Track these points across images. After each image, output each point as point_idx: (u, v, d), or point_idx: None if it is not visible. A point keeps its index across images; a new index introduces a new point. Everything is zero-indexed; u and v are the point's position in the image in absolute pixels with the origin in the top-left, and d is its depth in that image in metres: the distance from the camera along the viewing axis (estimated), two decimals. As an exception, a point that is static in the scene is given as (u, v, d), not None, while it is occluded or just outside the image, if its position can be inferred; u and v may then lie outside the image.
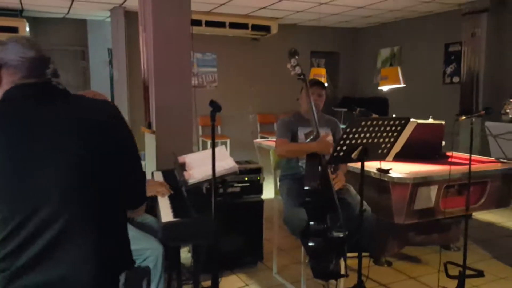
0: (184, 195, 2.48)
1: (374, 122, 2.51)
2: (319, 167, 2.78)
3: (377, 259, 3.73)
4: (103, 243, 1.11)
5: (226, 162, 2.47)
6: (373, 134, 2.57)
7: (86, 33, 7.28)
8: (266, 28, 7.04)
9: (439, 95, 7.02)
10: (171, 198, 2.46)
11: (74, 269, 1.06)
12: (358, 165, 2.78)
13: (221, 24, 6.63)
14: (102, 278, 1.10)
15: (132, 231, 2.47)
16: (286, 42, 7.82)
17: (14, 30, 6.09)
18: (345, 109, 8.09)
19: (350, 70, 8.72)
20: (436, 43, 7.08)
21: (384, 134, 2.62)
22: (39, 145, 1.06)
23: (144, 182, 1.37)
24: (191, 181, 2.35)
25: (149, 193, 2.52)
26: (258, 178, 3.57)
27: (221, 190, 3.15)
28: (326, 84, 5.84)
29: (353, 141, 2.52)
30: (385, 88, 4.62)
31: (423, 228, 3.73)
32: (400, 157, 3.86)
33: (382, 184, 3.29)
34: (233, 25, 6.72)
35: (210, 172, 2.37)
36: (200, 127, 7.31)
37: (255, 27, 6.92)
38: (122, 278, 1.14)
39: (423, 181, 3.22)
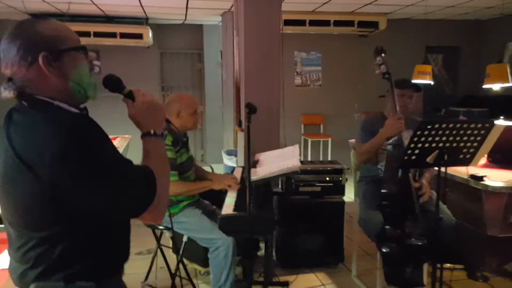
0: (252, 191, 2.59)
1: (451, 125, 2.32)
2: (400, 171, 2.67)
3: (471, 272, 3.42)
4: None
5: (291, 161, 2.53)
6: (451, 138, 2.38)
7: (202, 37, 7.87)
8: (374, 24, 6.79)
9: None
10: (239, 193, 2.59)
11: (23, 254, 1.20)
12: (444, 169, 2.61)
13: (326, 23, 6.58)
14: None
15: (207, 222, 2.70)
16: (397, 37, 7.45)
17: (139, 36, 6.89)
18: (465, 109, 7.39)
19: (472, 66, 7.93)
20: None
21: (465, 138, 2.40)
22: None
23: (126, 198, 1.15)
24: (253, 177, 2.46)
25: (218, 186, 2.72)
26: (340, 178, 3.53)
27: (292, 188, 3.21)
28: (431, 82, 5.46)
29: (426, 145, 2.37)
30: (490, 86, 4.16)
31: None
32: (498, 163, 3.50)
33: (474, 192, 3.02)
34: (337, 23, 6.61)
35: (273, 170, 2.47)
36: (302, 126, 7.39)
37: (362, 24, 6.72)
38: None
39: (523, 191, 2.87)
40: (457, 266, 3.52)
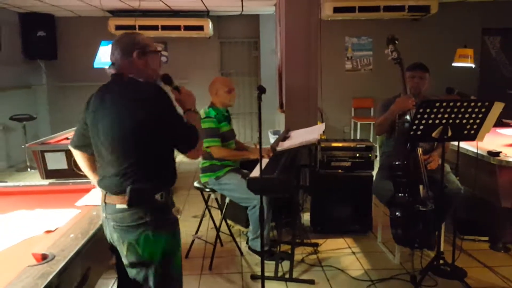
0: (282, 159, 3.06)
1: (451, 104, 2.63)
2: (408, 145, 3.01)
3: (493, 243, 3.64)
4: (136, 165, 1.85)
5: (312, 136, 2.96)
6: (453, 115, 2.68)
7: (258, 26, 8.35)
8: (425, 8, 6.81)
9: None
10: (272, 160, 3.06)
11: (123, 172, 1.85)
12: (462, 143, 3.01)
13: (375, 9, 6.75)
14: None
15: (245, 185, 3.22)
16: (452, 20, 7.41)
17: (200, 28, 7.53)
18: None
19: (533, 47, 7.68)
20: None
21: (467, 116, 2.70)
22: (106, 109, 1.88)
23: (185, 136, 1.90)
24: (278, 148, 2.94)
25: (254, 156, 3.23)
26: (370, 155, 3.89)
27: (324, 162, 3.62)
28: (472, 65, 5.53)
29: (430, 121, 2.69)
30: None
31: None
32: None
33: (489, 166, 3.25)
34: (387, 8, 6.76)
35: (294, 143, 2.94)
36: (352, 109, 7.65)
37: (412, 8, 6.78)
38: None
39: (534, 166, 3.07)
40: (482, 238, 3.76)
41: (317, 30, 4.30)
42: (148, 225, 1.85)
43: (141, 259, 1.88)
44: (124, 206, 1.84)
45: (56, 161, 4.49)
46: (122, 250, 1.91)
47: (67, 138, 5.16)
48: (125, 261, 1.93)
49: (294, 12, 4.28)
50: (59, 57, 7.91)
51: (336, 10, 6.72)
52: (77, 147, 2.12)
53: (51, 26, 7.78)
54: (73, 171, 4.33)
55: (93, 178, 2.15)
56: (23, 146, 6.58)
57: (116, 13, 7.56)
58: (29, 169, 6.83)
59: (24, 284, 1.43)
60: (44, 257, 1.68)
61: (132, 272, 1.92)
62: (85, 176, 3.30)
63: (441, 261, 2.96)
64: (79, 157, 2.16)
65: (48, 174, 4.54)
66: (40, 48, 7.61)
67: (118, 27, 7.41)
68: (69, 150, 4.45)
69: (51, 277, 1.48)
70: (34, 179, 5.92)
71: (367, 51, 7.59)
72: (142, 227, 1.85)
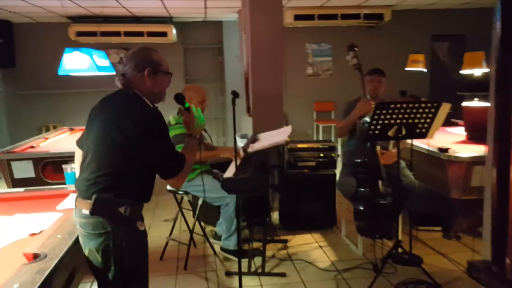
0: (253, 160, 3.24)
1: (404, 105, 2.90)
2: (368, 144, 3.27)
3: (446, 232, 3.98)
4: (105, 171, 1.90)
5: (281, 137, 3.16)
6: (406, 115, 2.95)
7: (222, 32, 8.52)
8: (379, 16, 7.25)
9: None
10: (243, 161, 3.23)
11: (94, 180, 1.90)
12: (416, 142, 3.27)
13: (333, 16, 7.12)
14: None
15: (217, 184, 3.38)
16: (404, 27, 7.88)
17: (164, 34, 7.62)
18: (469, 93, 7.79)
19: (478, 52, 8.27)
20: None
21: (418, 115, 2.98)
22: (103, 119, 1.96)
23: (164, 165, 1.93)
24: (249, 150, 3.12)
25: (224, 155, 3.39)
26: (333, 155, 4.14)
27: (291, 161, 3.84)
28: (424, 69, 5.94)
29: (386, 121, 2.95)
30: (466, 72, 4.64)
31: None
32: (475, 140, 4.03)
33: (439, 161, 3.57)
34: (345, 16, 7.14)
35: (264, 144, 3.13)
36: (314, 112, 7.97)
37: (367, 16, 7.20)
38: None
39: (479, 160, 3.40)
40: (435, 228, 4.09)
41: (281, 37, 4.52)
42: (109, 236, 1.87)
43: (101, 266, 1.92)
44: (88, 212, 1.87)
45: (23, 170, 4.46)
46: (85, 253, 1.96)
47: (32, 147, 5.11)
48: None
49: (258, 20, 4.48)
50: (17, 64, 7.74)
51: (297, 17, 7.04)
52: (78, 144, 2.21)
53: (9, 32, 7.62)
54: (41, 179, 4.34)
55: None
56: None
57: (77, 19, 7.50)
58: (-11, 180, 6.66)
59: (24, 279, 1.53)
60: (35, 256, 1.77)
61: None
62: (54, 184, 3.42)
63: (400, 250, 3.23)
64: (78, 154, 2.22)
65: (15, 183, 4.49)
66: (-3, 55, 7.45)
67: (79, 33, 7.37)
68: (37, 158, 4.48)
69: (48, 272, 1.59)
70: (-4, 189, 5.79)
71: (326, 57, 7.93)
72: (103, 237, 1.87)
